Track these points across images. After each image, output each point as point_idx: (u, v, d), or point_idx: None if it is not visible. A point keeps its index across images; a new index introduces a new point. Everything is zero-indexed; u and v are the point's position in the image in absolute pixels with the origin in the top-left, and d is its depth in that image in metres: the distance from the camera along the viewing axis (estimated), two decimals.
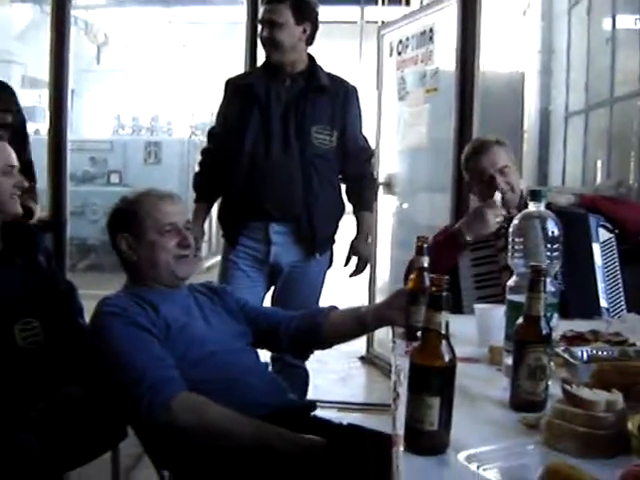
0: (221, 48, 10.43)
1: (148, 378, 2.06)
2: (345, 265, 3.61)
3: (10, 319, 2.33)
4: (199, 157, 3.69)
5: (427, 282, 1.96)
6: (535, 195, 1.99)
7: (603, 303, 2.72)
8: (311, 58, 3.51)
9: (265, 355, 2.81)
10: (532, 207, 1.99)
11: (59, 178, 4.57)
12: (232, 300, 2.51)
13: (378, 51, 5.53)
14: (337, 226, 3.57)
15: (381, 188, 5.27)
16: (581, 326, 2.13)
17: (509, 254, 2.00)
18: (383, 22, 5.88)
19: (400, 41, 5.22)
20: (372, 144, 4.03)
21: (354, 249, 3.59)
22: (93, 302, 2.27)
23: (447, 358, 1.34)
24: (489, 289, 2.81)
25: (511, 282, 1.87)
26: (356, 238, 3.59)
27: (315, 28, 3.47)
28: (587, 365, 1.69)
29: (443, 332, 1.34)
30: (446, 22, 4.60)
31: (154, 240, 2.29)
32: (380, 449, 1.75)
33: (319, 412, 2.41)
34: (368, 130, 3.83)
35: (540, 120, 7.04)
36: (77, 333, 2.47)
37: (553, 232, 1.96)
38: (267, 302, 3.57)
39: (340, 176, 3.55)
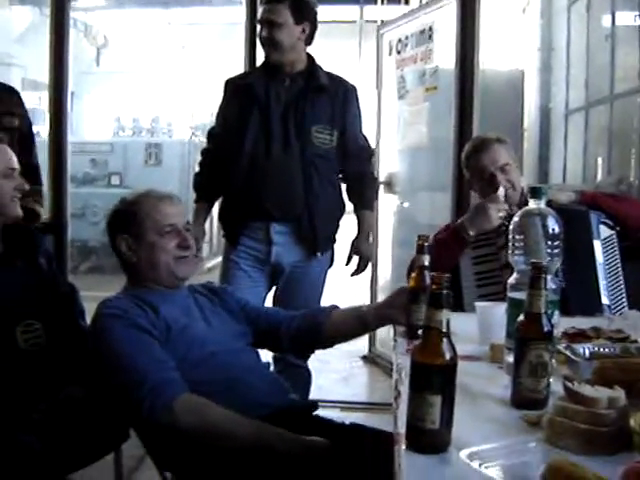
0: (220, 49, 10.44)
1: (149, 380, 2.05)
2: (346, 264, 3.61)
3: (12, 321, 2.33)
4: (199, 158, 3.69)
5: (428, 280, 1.96)
6: (535, 192, 1.99)
7: (604, 300, 2.71)
8: (310, 58, 3.51)
9: (267, 355, 2.81)
10: (532, 204, 1.98)
11: (60, 180, 4.58)
12: (232, 300, 2.50)
13: (377, 50, 5.53)
14: (338, 225, 3.57)
15: (382, 187, 5.27)
16: (583, 323, 2.13)
17: (509, 251, 2.00)
18: (382, 21, 5.88)
19: (399, 40, 5.22)
20: (372, 143, 4.02)
21: (355, 248, 3.59)
22: (94, 304, 2.27)
23: (448, 356, 1.34)
24: (490, 287, 2.81)
25: (512, 279, 1.87)
26: (357, 237, 3.59)
27: (314, 28, 3.47)
28: (589, 362, 1.68)
29: (444, 330, 1.34)
30: (445, 20, 4.59)
31: (154, 241, 2.29)
32: (382, 448, 1.75)
33: (321, 412, 2.40)
34: (368, 129, 3.83)
35: (540, 117, 7.05)
36: (79, 335, 2.47)
37: (553, 229, 1.96)
38: (269, 302, 3.56)
39: (340, 175, 3.55)
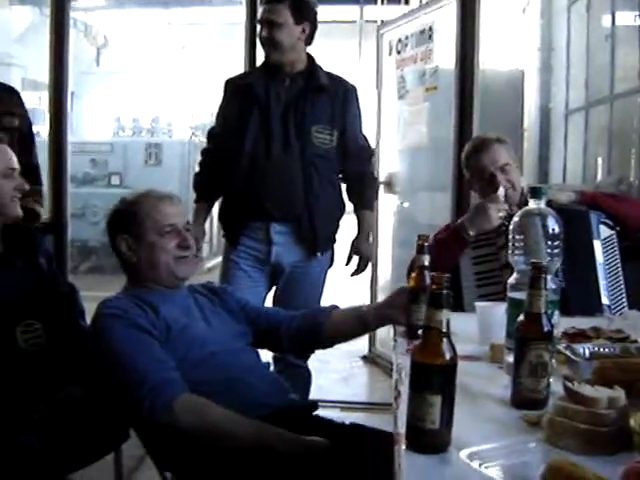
0: (220, 49, 10.44)
1: (149, 380, 2.05)
2: (346, 264, 3.61)
3: (12, 321, 2.33)
4: (199, 157, 3.69)
5: (428, 280, 1.96)
6: (535, 192, 1.99)
7: (604, 300, 2.72)
8: (310, 58, 3.51)
9: (267, 355, 2.81)
10: (532, 204, 1.98)
11: (60, 180, 4.58)
12: (232, 300, 2.50)
13: (377, 50, 5.53)
14: (338, 225, 3.57)
15: (382, 187, 5.27)
16: (583, 323, 2.13)
17: (509, 251, 2.00)
18: (382, 21, 5.88)
19: (399, 40, 5.22)
20: (372, 143, 4.03)
21: (355, 248, 3.59)
22: (94, 304, 2.27)
23: (448, 356, 1.34)
24: (490, 287, 2.81)
25: (512, 279, 1.87)
26: (357, 237, 3.59)
27: (314, 28, 3.47)
28: (589, 362, 1.68)
29: (444, 330, 1.34)
30: (445, 20, 4.59)
31: (154, 241, 2.29)
32: (382, 448, 1.75)
33: (321, 412, 2.40)
34: (368, 129, 3.83)
35: (540, 118, 7.05)
36: (79, 335, 2.47)
37: (553, 229, 1.96)
38: (269, 302, 3.56)
39: (340, 175, 3.55)
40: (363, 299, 5.41)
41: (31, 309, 2.41)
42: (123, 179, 10.39)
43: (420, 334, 1.40)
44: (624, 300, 2.76)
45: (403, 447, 1.35)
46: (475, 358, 1.94)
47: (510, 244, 2.00)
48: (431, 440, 1.33)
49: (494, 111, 5.14)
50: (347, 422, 2.33)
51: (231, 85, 3.56)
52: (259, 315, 2.51)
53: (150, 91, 12.10)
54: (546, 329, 1.55)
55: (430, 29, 4.84)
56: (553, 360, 1.62)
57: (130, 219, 2.32)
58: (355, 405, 4.69)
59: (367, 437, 2.21)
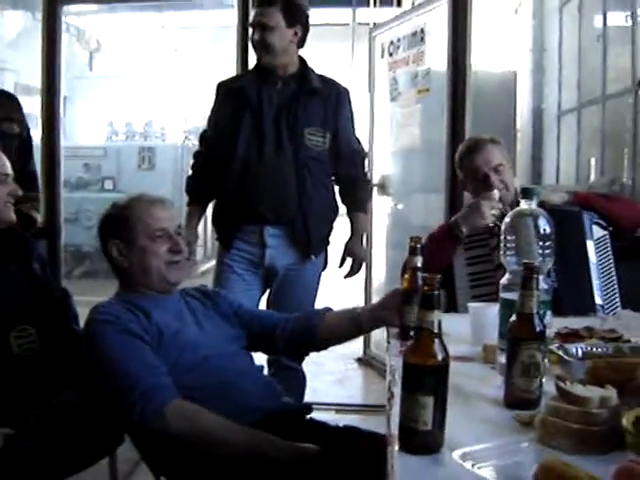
0: (213, 52, 10.43)
1: (141, 385, 2.05)
2: (340, 266, 3.62)
3: (5, 326, 2.33)
4: (192, 161, 3.68)
5: (420, 282, 1.96)
6: (527, 193, 1.99)
7: (598, 300, 2.72)
8: (302, 60, 3.51)
9: (261, 358, 2.81)
10: (524, 205, 1.99)
11: (53, 185, 4.58)
12: (226, 303, 2.50)
13: (370, 52, 5.54)
14: (331, 228, 3.57)
15: (375, 189, 5.27)
16: (576, 323, 2.13)
17: (501, 252, 2.00)
18: (374, 24, 5.88)
19: (391, 42, 5.23)
20: (365, 145, 4.03)
21: (348, 250, 3.59)
22: (88, 309, 2.27)
23: (440, 357, 1.34)
24: (484, 288, 2.81)
25: (504, 280, 1.88)
26: (350, 239, 3.60)
27: (306, 31, 3.47)
28: (581, 362, 1.68)
29: (436, 331, 1.35)
30: (437, 22, 4.60)
31: (145, 246, 2.29)
32: (376, 450, 1.75)
33: (316, 414, 2.40)
34: (361, 131, 3.83)
35: (533, 119, 7.05)
36: (72, 340, 2.47)
37: (545, 229, 1.96)
38: (262, 305, 3.56)
39: (333, 178, 3.55)
40: (357, 301, 5.42)
41: (25, 314, 2.41)
42: (116, 183, 10.37)
43: (413, 335, 1.40)
44: (617, 300, 2.77)
45: (396, 448, 1.35)
46: (468, 359, 1.94)
47: (502, 245, 2.00)
48: (424, 441, 1.34)
49: (486, 112, 5.15)
50: (341, 425, 2.33)
51: (223, 88, 3.56)
52: (253, 318, 2.51)
53: (143, 95, 12.07)
54: (538, 329, 1.56)
55: (422, 31, 4.85)
56: (545, 360, 1.62)
57: (121, 224, 2.31)
58: (350, 407, 4.69)
59: (361, 440, 2.21)
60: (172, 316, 2.30)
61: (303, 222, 3.41)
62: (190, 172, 3.67)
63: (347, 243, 3.60)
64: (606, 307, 2.72)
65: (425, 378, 1.33)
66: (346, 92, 3.56)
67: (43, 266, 2.64)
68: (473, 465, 1.27)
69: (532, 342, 1.55)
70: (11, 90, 4.35)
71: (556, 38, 6.70)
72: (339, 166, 3.52)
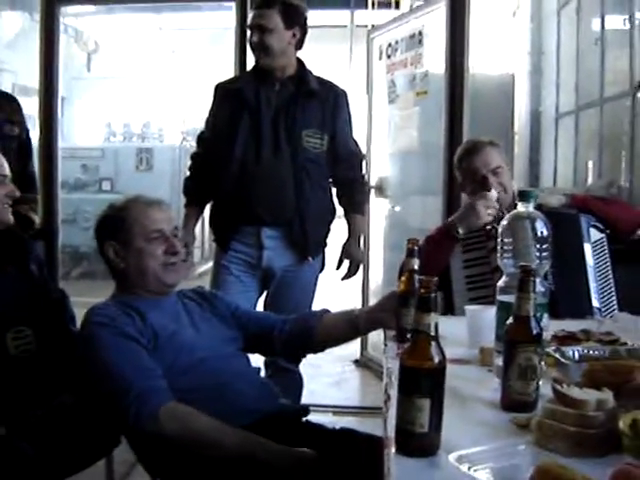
0: (210, 54, 10.43)
1: (136, 388, 2.05)
2: (337, 268, 3.62)
3: (2, 327, 2.33)
4: (189, 162, 3.68)
5: (417, 284, 1.96)
6: (524, 195, 2.00)
7: (595, 303, 2.73)
8: (300, 62, 3.51)
9: (258, 360, 2.81)
10: (521, 207, 1.99)
11: (50, 186, 4.59)
12: (223, 305, 2.50)
13: (368, 54, 5.54)
14: (329, 230, 3.57)
15: (373, 191, 5.28)
16: (573, 326, 2.13)
17: (498, 254, 2.00)
18: (373, 26, 5.89)
19: (390, 44, 5.23)
20: (363, 148, 4.03)
21: (346, 252, 3.59)
22: (86, 310, 2.27)
23: (437, 359, 1.34)
24: (481, 290, 2.82)
25: (501, 282, 1.88)
26: (347, 241, 3.60)
27: (304, 33, 3.47)
28: (578, 365, 1.69)
29: (432, 334, 1.35)
30: (435, 25, 4.61)
31: (141, 247, 2.28)
32: (372, 452, 1.75)
33: (313, 416, 2.40)
34: (359, 134, 3.84)
35: (531, 121, 7.05)
36: (69, 341, 2.46)
37: (542, 232, 1.96)
38: (259, 307, 3.56)
39: (331, 180, 3.55)
40: (354, 303, 5.42)
41: (22, 315, 2.40)
42: (114, 184, 10.35)
43: (409, 338, 1.40)
44: (614, 303, 2.77)
45: (393, 451, 1.35)
46: (465, 361, 1.94)
47: (499, 247, 2.00)
48: (420, 443, 1.33)
49: (484, 115, 5.15)
50: (338, 427, 2.33)
51: (221, 89, 3.56)
52: (250, 319, 2.51)
53: (141, 96, 12.06)
54: (535, 332, 1.56)
55: (420, 33, 4.86)
56: (542, 363, 1.62)
57: (118, 225, 2.31)
58: (347, 409, 4.69)
59: (358, 442, 2.21)
60: (168, 318, 2.30)
61: (300, 224, 3.41)
62: (188, 173, 3.67)
63: (344, 245, 3.60)
64: (603, 310, 2.72)
65: (422, 381, 1.33)
66: (344, 94, 3.56)
67: (40, 267, 2.64)
68: (469, 468, 1.27)
69: (529, 345, 1.55)
70: (9, 91, 4.36)
71: (554, 41, 6.70)
72: (337, 168, 3.52)
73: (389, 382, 1.71)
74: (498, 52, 6.72)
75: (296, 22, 3.42)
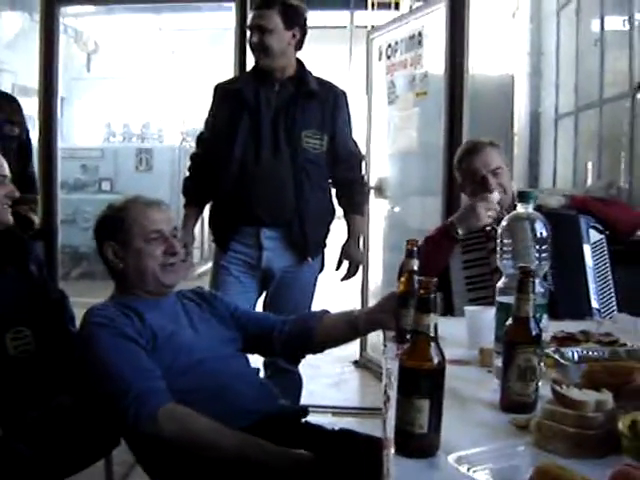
0: (210, 54, 10.44)
1: (134, 389, 2.05)
2: (337, 269, 3.62)
3: (1, 328, 2.33)
4: (189, 162, 3.68)
5: (417, 285, 1.96)
6: (523, 196, 2.00)
7: (594, 304, 2.72)
8: (300, 63, 3.51)
9: (257, 361, 2.81)
10: (520, 208, 1.99)
11: (50, 186, 4.59)
12: (222, 306, 2.49)
13: (367, 55, 5.54)
14: (328, 230, 3.57)
15: (372, 192, 5.28)
16: (572, 327, 2.13)
17: (498, 255, 2.00)
18: (372, 26, 5.89)
19: (389, 45, 5.23)
20: (362, 148, 4.03)
21: (345, 253, 3.59)
22: (86, 310, 2.27)
23: (436, 360, 1.34)
24: (481, 291, 2.81)
25: (500, 283, 1.88)
26: (347, 242, 3.60)
27: (304, 33, 3.47)
28: (578, 366, 1.69)
29: (432, 334, 1.35)
30: (435, 26, 4.61)
31: (140, 248, 2.28)
32: (372, 453, 1.75)
33: (313, 417, 2.40)
34: (358, 134, 3.84)
35: (530, 122, 7.06)
36: (68, 342, 2.46)
37: (542, 233, 1.96)
38: (259, 307, 3.56)
39: (330, 180, 3.55)
40: (353, 304, 5.42)
41: (21, 316, 2.40)
42: (114, 185, 10.35)
43: (409, 339, 1.40)
44: (613, 304, 2.77)
45: (392, 451, 1.35)
46: (464, 362, 1.94)
47: (498, 248, 2.00)
48: (420, 444, 1.33)
49: (484, 116, 5.16)
50: (337, 428, 2.32)
51: (220, 90, 3.56)
52: (249, 320, 2.51)
53: (141, 97, 12.06)
54: (534, 333, 1.56)
55: (420, 34, 4.86)
56: (542, 364, 1.62)
57: (117, 225, 2.31)
58: (346, 410, 4.69)
59: (357, 443, 2.21)
60: (167, 319, 2.29)
61: (300, 224, 3.41)
62: (187, 174, 3.67)
63: (344, 246, 3.60)
64: (602, 311, 2.72)
65: (421, 381, 1.33)
66: (344, 95, 3.56)
67: (40, 268, 2.64)
68: (469, 469, 1.27)
69: (528, 346, 1.55)
70: (8, 91, 4.37)
71: (553, 42, 6.71)
72: (336, 169, 3.52)
73: (388, 383, 1.71)
74: (498, 53, 6.73)
75: (296, 23, 3.42)
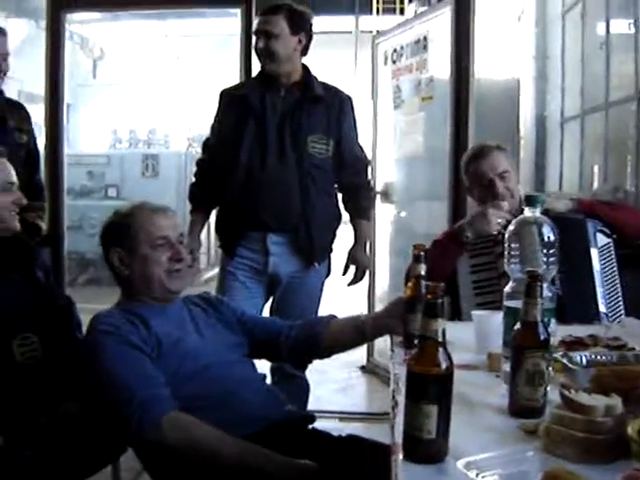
0: (216, 60, 10.45)
1: (139, 396, 2.04)
2: (343, 274, 3.61)
3: (8, 334, 2.33)
4: (195, 168, 3.69)
5: (424, 290, 1.96)
6: (531, 200, 1.99)
7: (602, 308, 2.72)
8: (305, 68, 3.52)
9: (264, 366, 2.80)
10: (528, 212, 1.99)
11: (56, 192, 4.60)
12: (228, 311, 2.49)
13: (373, 60, 5.54)
14: (335, 235, 3.57)
15: (378, 197, 5.28)
16: (580, 331, 2.12)
17: (505, 260, 2.00)
18: (378, 31, 5.89)
19: (395, 50, 5.24)
20: (368, 153, 4.03)
21: (352, 258, 3.59)
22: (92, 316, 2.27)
23: (444, 366, 1.33)
24: (488, 295, 2.81)
25: (508, 288, 1.87)
26: (354, 247, 3.60)
27: (310, 38, 3.48)
28: (586, 370, 1.68)
29: (440, 340, 1.34)
30: (440, 30, 4.61)
31: (146, 254, 2.28)
32: (378, 460, 1.74)
33: (320, 422, 2.40)
34: (364, 139, 3.84)
35: (536, 126, 7.04)
36: (75, 348, 2.46)
37: (549, 237, 1.96)
38: (265, 313, 3.56)
39: (336, 185, 3.55)
40: (360, 309, 5.41)
41: (28, 322, 2.40)
42: (120, 191, 10.37)
43: (417, 344, 1.40)
44: (621, 308, 2.77)
45: (400, 457, 1.35)
46: (472, 367, 1.93)
47: (506, 252, 2.00)
48: (428, 450, 1.33)
49: (490, 120, 5.14)
50: (345, 434, 2.31)
51: (226, 96, 3.57)
52: (256, 325, 2.50)
53: (147, 103, 12.08)
54: (542, 337, 1.55)
55: (425, 39, 4.86)
56: (550, 368, 1.62)
57: (123, 232, 2.31)
58: (354, 415, 4.68)
59: (364, 449, 2.20)
60: (173, 325, 2.29)
61: (306, 230, 3.41)
62: (193, 179, 3.68)
63: (350, 251, 3.60)
64: (610, 315, 2.72)
65: (429, 387, 1.32)
66: (349, 99, 3.56)
67: (47, 274, 2.64)
68: (477, 474, 1.27)
69: (536, 350, 1.54)
70: (15, 98, 4.37)
71: (559, 45, 6.69)
72: (342, 174, 3.52)
73: (396, 388, 1.71)
74: (503, 57, 6.71)
75: (302, 28, 3.42)
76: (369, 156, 4.01)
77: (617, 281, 2.80)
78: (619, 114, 5.30)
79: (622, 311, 2.75)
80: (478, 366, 1.96)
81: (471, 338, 2.10)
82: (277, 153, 3.37)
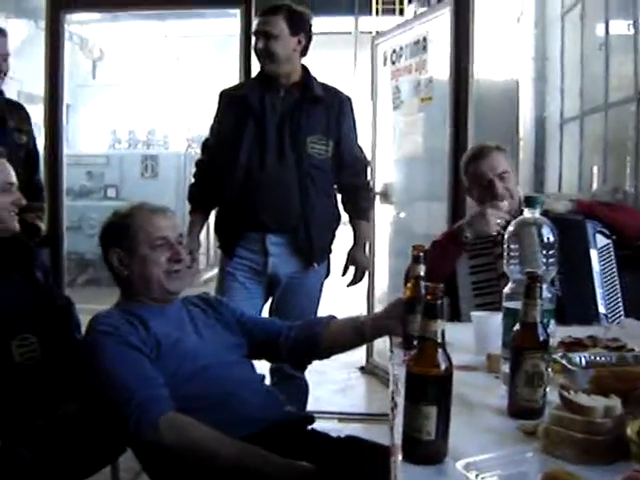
0: (215, 60, 10.45)
1: (137, 397, 2.04)
2: (343, 275, 3.61)
3: (7, 335, 2.33)
4: (194, 169, 3.69)
5: (423, 291, 1.96)
6: (530, 201, 1.99)
7: (601, 309, 2.72)
8: (305, 69, 3.52)
9: (263, 367, 2.80)
10: (527, 213, 1.99)
11: (55, 193, 4.60)
12: (227, 311, 2.49)
13: (372, 61, 5.55)
14: (334, 236, 3.57)
15: (378, 198, 5.28)
16: (579, 332, 2.12)
17: (505, 261, 1.99)
18: (377, 32, 5.89)
19: (394, 50, 5.24)
20: (368, 154, 4.03)
21: (351, 258, 3.59)
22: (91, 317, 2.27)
23: (443, 367, 1.33)
24: (488, 296, 2.81)
25: (507, 289, 1.87)
26: (353, 248, 3.59)
27: (309, 39, 3.48)
28: (585, 371, 1.68)
29: (439, 341, 1.34)
30: (439, 31, 4.61)
31: (145, 254, 2.28)
32: (379, 460, 1.74)
33: (319, 423, 2.39)
34: (363, 140, 3.84)
35: (535, 127, 7.03)
36: (74, 348, 2.46)
37: (549, 238, 1.96)
38: (265, 313, 3.56)
39: (335, 186, 3.55)
40: (360, 310, 5.41)
41: (27, 323, 2.40)
42: (119, 191, 10.37)
43: (416, 345, 1.39)
44: (621, 309, 2.77)
45: (399, 458, 1.35)
46: (471, 368, 1.93)
47: (505, 253, 2.00)
48: (427, 451, 1.33)
49: (489, 121, 5.14)
50: (344, 435, 2.31)
51: (226, 96, 3.57)
52: (255, 325, 2.50)
53: (146, 103, 12.07)
54: (542, 338, 1.55)
55: (424, 40, 4.86)
56: (549, 369, 1.62)
57: (123, 232, 2.31)
58: (353, 416, 4.68)
59: (363, 451, 2.20)
60: (172, 325, 2.29)
61: (305, 230, 3.41)
62: (192, 180, 3.68)
63: (350, 251, 3.60)
64: (610, 316, 2.72)
65: (428, 388, 1.32)
66: (348, 100, 3.56)
67: (46, 274, 2.64)
68: (477, 475, 1.26)
69: (536, 351, 1.54)
70: (14, 99, 4.36)
71: (558, 46, 6.69)
72: (341, 174, 3.52)
73: (396, 389, 1.71)
74: (502, 58, 6.71)
75: (301, 29, 3.42)
76: (368, 157, 4.01)
77: (616, 282, 2.80)
78: (618, 115, 5.30)
79: (621, 312, 2.75)
80: (477, 367, 1.96)
81: (470, 339, 2.10)
82: (276, 154, 3.37)
